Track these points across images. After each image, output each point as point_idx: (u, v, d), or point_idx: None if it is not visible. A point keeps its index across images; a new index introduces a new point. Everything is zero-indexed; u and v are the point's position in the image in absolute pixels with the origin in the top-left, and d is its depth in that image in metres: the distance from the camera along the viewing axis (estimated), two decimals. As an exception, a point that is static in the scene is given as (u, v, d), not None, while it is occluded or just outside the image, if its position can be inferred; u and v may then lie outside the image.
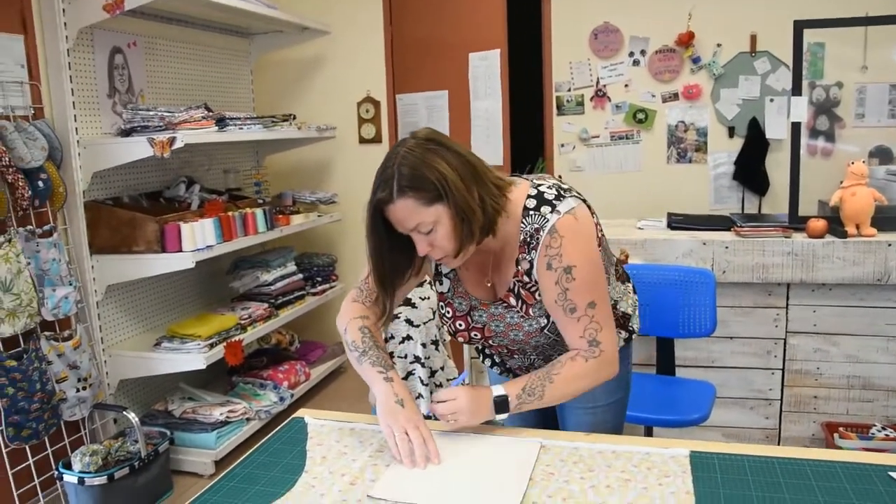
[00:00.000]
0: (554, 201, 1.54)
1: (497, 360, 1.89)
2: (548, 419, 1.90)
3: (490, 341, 1.75)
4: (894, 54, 3.93)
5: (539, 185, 1.58)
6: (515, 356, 1.80)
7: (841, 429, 3.08)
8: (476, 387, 1.60)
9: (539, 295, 1.60)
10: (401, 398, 1.53)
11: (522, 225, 1.55)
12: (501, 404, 1.55)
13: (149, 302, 3.75)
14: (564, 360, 1.58)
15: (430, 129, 1.53)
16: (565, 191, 1.57)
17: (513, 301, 1.64)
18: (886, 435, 2.98)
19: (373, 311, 1.74)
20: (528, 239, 1.55)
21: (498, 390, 1.55)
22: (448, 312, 1.74)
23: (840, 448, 2.90)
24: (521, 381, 1.57)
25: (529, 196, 1.56)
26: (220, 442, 3.45)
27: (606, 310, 1.59)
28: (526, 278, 1.59)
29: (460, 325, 1.74)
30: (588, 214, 1.58)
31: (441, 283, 1.75)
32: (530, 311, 1.63)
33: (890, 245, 2.94)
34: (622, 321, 1.78)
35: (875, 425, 3.06)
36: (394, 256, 1.60)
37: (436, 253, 1.53)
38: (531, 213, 1.54)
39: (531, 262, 1.56)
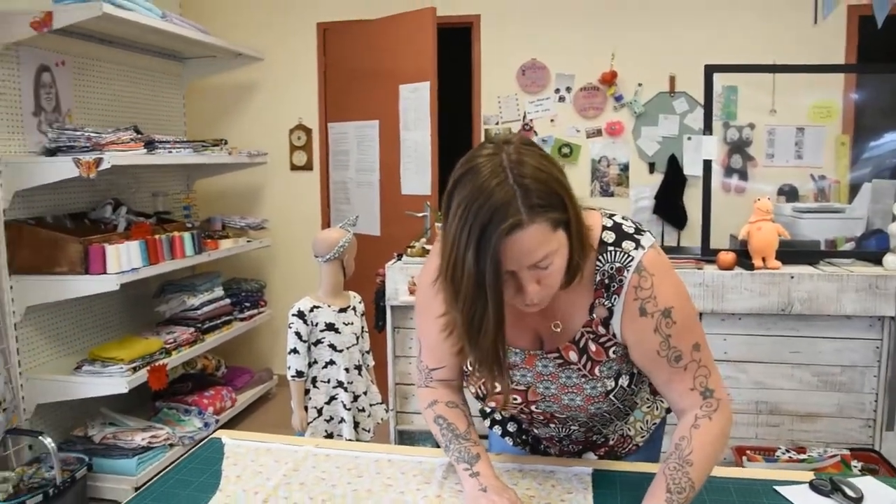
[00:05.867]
0: (635, 235, 1.30)
1: (514, 428, 1.64)
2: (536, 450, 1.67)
3: (533, 407, 1.44)
4: (799, 100, 4.18)
5: (612, 215, 1.34)
6: (553, 424, 1.51)
7: (749, 451, 3.21)
8: None
9: (613, 352, 1.35)
10: (484, 486, 1.32)
11: (599, 263, 1.29)
12: None
13: (71, 325, 3.68)
14: (686, 433, 1.30)
15: (514, 133, 1.19)
16: (639, 224, 1.35)
17: (573, 356, 1.36)
18: (790, 457, 3.12)
19: (442, 388, 1.49)
20: (608, 280, 1.29)
21: None
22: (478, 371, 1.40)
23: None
24: (657, 485, 1.28)
25: (606, 228, 1.31)
26: (140, 468, 3.40)
27: (708, 348, 1.34)
28: (601, 329, 1.33)
29: (495, 386, 1.40)
30: None
31: None
32: (596, 371, 1.36)
33: (793, 277, 3.10)
34: None
35: (780, 448, 3.20)
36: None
37: (540, 294, 1.20)
38: (610, 248, 1.29)
39: (611, 310, 1.31)
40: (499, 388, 1.41)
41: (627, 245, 1.29)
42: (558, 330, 1.36)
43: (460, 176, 1.18)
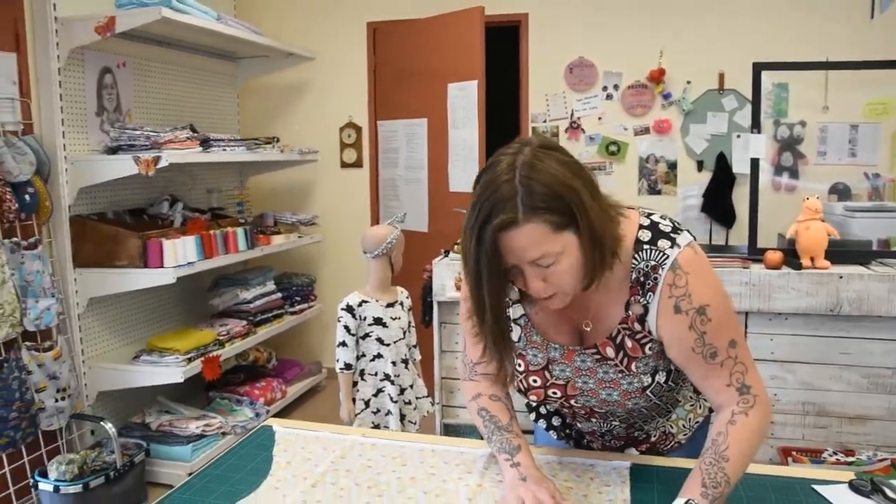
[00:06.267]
0: (672, 234, 1.32)
1: (558, 422, 1.69)
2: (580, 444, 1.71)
3: (573, 401, 1.48)
4: (854, 96, 4.11)
5: (650, 214, 1.37)
6: (594, 419, 1.56)
7: (794, 453, 3.19)
8: None
9: (650, 348, 1.38)
10: (524, 476, 1.36)
11: (635, 261, 1.32)
12: None
13: (130, 316, 3.83)
14: (723, 428, 1.32)
15: (539, 135, 1.33)
16: (678, 223, 1.37)
17: (610, 352, 1.39)
18: (837, 459, 3.09)
19: (486, 382, 1.56)
20: (643, 278, 1.32)
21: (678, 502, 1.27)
22: (519, 365, 1.46)
23: (792, 471, 3.00)
24: (692, 479, 1.30)
25: (642, 227, 1.34)
26: (195, 455, 3.52)
27: (746, 346, 1.35)
28: (637, 326, 1.36)
29: (534, 381, 1.46)
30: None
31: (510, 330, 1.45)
32: (633, 367, 1.39)
33: (842, 277, 3.06)
34: None
35: (827, 450, 3.17)
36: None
37: (548, 290, 1.26)
38: (646, 247, 1.31)
39: (646, 307, 1.33)
40: (538, 382, 1.46)
41: (663, 243, 1.31)
42: (589, 329, 1.40)
43: (483, 171, 1.24)
